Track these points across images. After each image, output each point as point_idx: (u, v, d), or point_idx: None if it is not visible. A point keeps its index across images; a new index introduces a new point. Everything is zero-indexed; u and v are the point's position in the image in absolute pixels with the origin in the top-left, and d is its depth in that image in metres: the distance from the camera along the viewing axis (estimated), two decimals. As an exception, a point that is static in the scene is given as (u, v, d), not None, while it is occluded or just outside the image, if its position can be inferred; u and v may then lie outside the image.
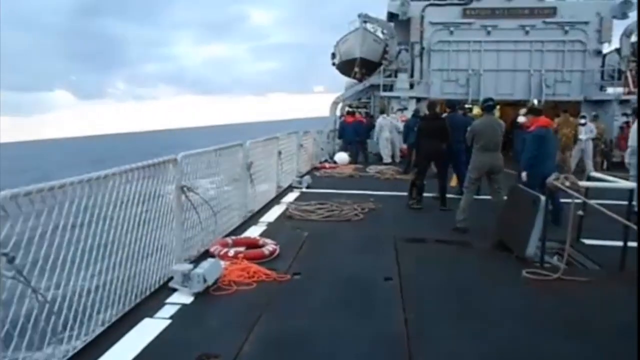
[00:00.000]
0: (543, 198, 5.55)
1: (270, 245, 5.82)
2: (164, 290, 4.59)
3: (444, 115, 10.27)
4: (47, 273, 3.11)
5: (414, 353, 3.49)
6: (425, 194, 9.05)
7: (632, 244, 5.43)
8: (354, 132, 17.43)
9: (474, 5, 19.49)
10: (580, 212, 5.86)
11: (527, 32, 19.26)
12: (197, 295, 4.44)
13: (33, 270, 2.98)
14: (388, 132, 17.07)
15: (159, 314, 4.10)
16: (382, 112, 18.69)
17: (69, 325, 3.37)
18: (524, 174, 7.32)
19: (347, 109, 21.40)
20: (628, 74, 18.45)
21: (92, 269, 3.63)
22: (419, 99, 19.58)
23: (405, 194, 9.35)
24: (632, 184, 5.69)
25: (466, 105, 13.69)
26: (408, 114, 17.71)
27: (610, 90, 19.60)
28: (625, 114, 18.12)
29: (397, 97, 19.75)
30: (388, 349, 3.58)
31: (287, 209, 8.48)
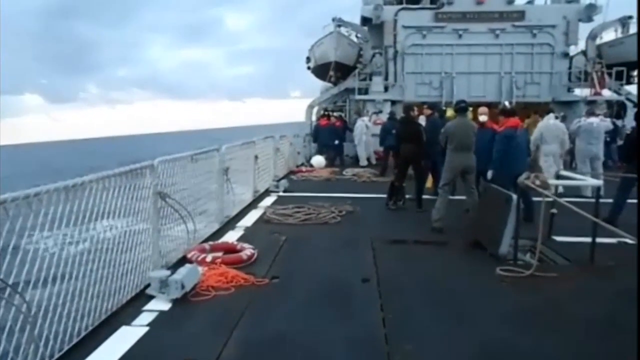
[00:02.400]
0: (515, 197, 5.70)
1: (248, 250, 5.82)
2: (142, 297, 4.55)
3: (424, 117, 10.42)
4: (22, 283, 3.07)
5: (391, 353, 3.54)
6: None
7: (601, 239, 5.64)
8: (328, 136, 17.52)
9: (445, 9, 19.84)
10: (553, 210, 6.03)
11: (497, 36, 19.72)
12: (175, 302, 4.41)
13: (7, 279, 2.93)
14: (366, 134, 17.20)
15: (137, 321, 4.06)
16: (360, 115, 18.82)
17: (44, 336, 3.31)
18: (489, 173, 7.54)
19: (321, 112, 21.51)
20: (594, 75, 19.03)
21: (67, 277, 3.58)
22: (393, 102, 19.81)
23: (382, 195, 9.45)
24: (598, 182, 5.90)
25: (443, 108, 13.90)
26: (383, 117, 17.92)
27: (577, 91, 20.20)
28: (589, 113, 18.66)
29: (372, 100, 19.93)
30: (366, 349, 3.63)
31: (264, 213, 8.48)
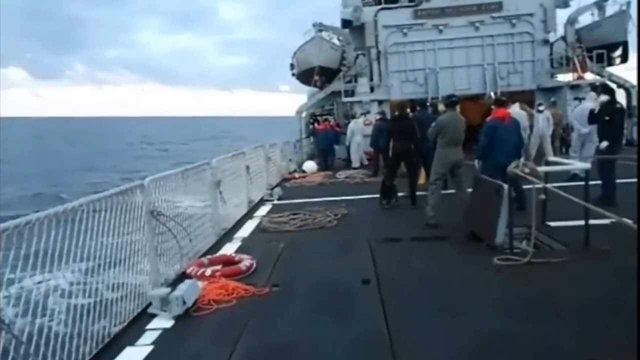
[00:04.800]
0: (506, 187, 5.76)
1: (246, 261, 5.82)
2: (144, 316, 4.54)
3: (413, 113, 10.49)
4: (21, 311, 3.06)
5: (396, 351, 3.56)
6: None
7: (594, 221, 5.69)
8: (326, 140, 17.57)
9: (423, 6, 20.00)
10: (542, 196, 6.08)
11: (477, 28, 19.89)
12: (177, 318, 4.40)
13: (5, 308, 2.93)
14: (359, 136, 17.22)
15: (141, 340, 4.05)
16: (353, 117, 18.87)
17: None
18: (476, 162, 7.65)
19: (319, 118, 21.61)
20: (575, 59, 19.23)
21: (66, 302, 3.58)
22: (380, 102, 19.92)
23: (376, 196, 9.49)
24: (586, 165, 5.96)
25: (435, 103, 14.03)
26: (371, 117, 18.00)
27: (560, 77, 20.39)
28: (577, 99, 18.87)
29: (359, 102, 20.03)
30: (372, 350, 3.64)
31: (260, 222, 8.49)
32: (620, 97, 16.59)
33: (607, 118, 8.14)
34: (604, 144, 8.16)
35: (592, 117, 8.68)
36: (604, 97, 8.48)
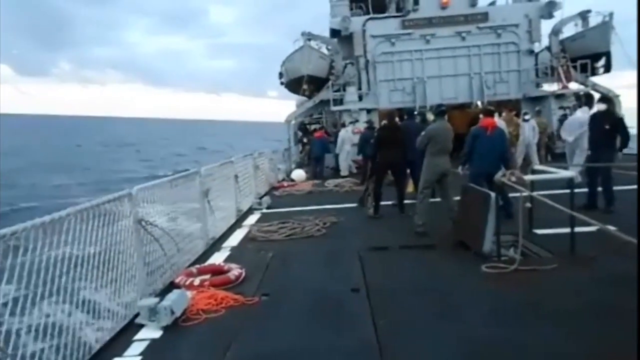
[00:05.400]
0: (493, 195, 5.82)
1: (235, 270, 5.79)
2: (131, 327, 4.49)
3: (401, 122, 10.58)
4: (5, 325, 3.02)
5: (386, 359, 3.56)
6: (383, 202, 9.25)
7: (579, 229, 5.76)
8: (320, 147, 17.57)
9: (411, 16, 20.26)
10: (527, 204, 6.16)
11: (463, 38, 20.19)
12: (165, 329, 4.36)
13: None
14: (348, 145, 17.26)
15: (129, 351, 4.00)
16: (343, 125, 18.91)
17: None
18: (460, 169, 7.95)
19: (309, 126, 21.63)
20: (559, 69, 19.56)
21: (52, 314, 3.53)
22: (369, 110, 20.07)
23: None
24: (571, 173, 6.05)
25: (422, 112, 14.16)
26: (359, 126, 18.08)
27: (545, 86, 20.72)
28: (562, 107, 19.17)
29: (348, 110, 20.14)
30: (361, 358, 3.65)
31: (249, 231, 8.46)
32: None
33: (607, 127, 8.19)
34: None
35: (592, 125, 8.66)
36: (601, 106, 8.57)
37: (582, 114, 10.37)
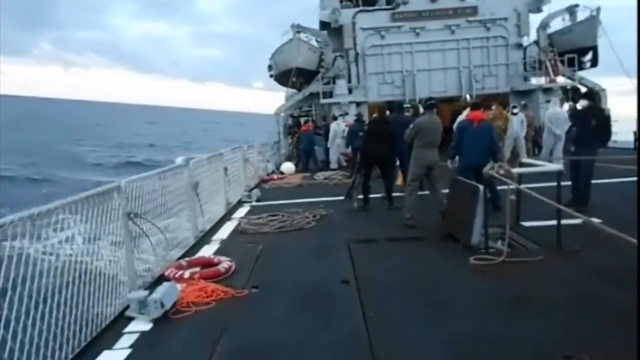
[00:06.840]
0: (482, 188, 5.88)
1: (225, 263, 5.79)
2: (121, 320, 4.48)
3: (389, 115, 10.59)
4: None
5: (375, 350, 3.60)
6: (372, 195, 9.29)
7: (566, 221, 5.84)
8: (308, 141, 17.54)
9: (401, 9, 20.26)
10: (512, 197, 6.22)
11: (452, 32, 20.26)
12: (155, 321, 4.36)
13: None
14: (339, 138, 17.21)
15: (118, 344, 4.00)
16: (334, 118, 18.91)
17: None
18: (449, 162, 8.03)
19: (300, 119, 21.57)
20: (547, 63, 19.73)
21: (41, 308, 3.51)
22: (358, 103, 20.07)
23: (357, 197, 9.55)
24: (558, 166, 6.13)
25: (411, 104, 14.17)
26: (349, 119, 18.07)
27: (533, 80, 20.90)
28: (548, 101, 19.34)
29: (337, 103, 20.14)
30: (351, 350, 3.68)
31: (239, 224, 8.46)
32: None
33: (594, 123, 8.05)
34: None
35: (577, 121, 8.48)
36: (584, 102, 8.51)
37: (560, 107, 10.57)
